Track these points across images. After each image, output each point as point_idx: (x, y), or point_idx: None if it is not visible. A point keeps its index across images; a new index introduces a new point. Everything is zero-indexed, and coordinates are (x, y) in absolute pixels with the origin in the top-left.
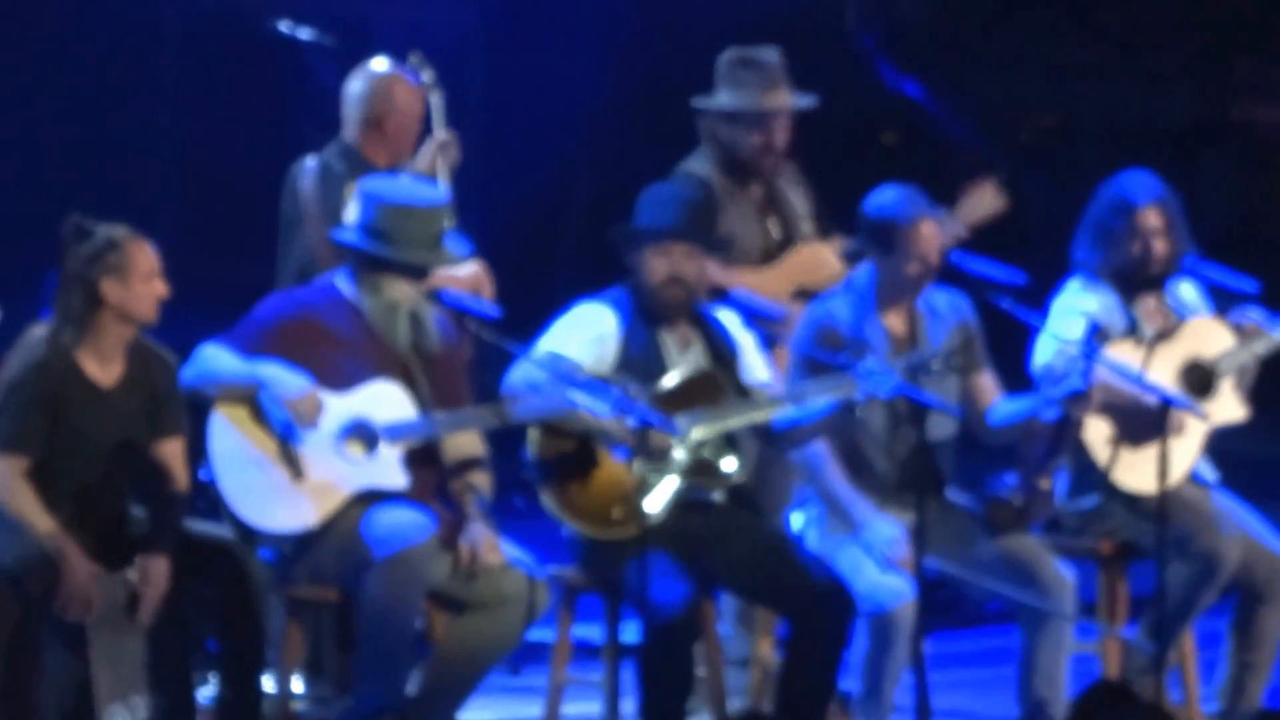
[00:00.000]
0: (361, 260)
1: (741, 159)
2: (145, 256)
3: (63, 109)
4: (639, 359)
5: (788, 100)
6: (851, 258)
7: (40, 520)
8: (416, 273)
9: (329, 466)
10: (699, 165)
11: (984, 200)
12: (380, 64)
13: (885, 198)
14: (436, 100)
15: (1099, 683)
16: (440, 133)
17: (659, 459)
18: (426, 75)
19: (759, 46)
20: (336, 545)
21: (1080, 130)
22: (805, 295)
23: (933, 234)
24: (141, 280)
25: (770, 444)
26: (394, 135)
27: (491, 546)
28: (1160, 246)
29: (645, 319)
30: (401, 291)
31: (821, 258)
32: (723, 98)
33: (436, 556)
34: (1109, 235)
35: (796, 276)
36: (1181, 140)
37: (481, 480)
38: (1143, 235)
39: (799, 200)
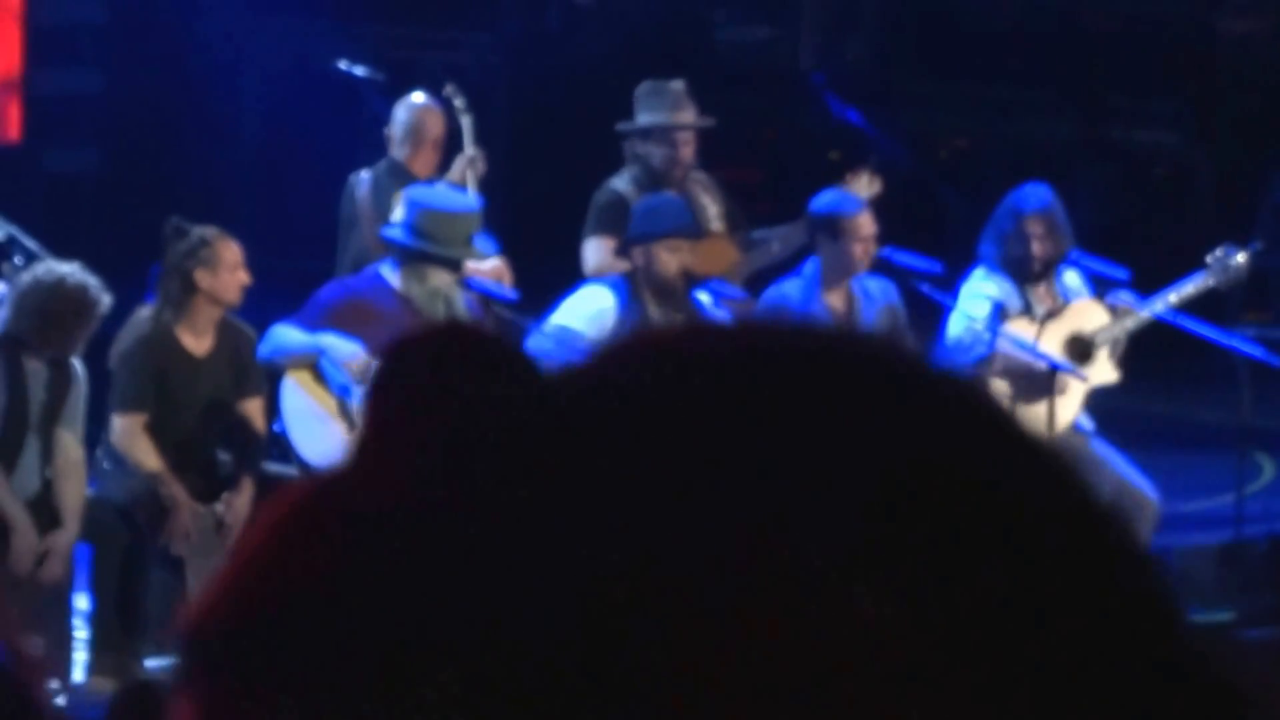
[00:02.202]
0: (406, 254)
1: (655, 170)
2: (231, 251)
3: (167, 133)
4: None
5: (691, 118)
6: (749, 247)
7: (155, 466)
8: (452, 265)
9: None
10: (619, 182)
11: (859, 187)
12: (418, 96)
13: (829, 198)
14: (467, 122)
15: None
16: (470, 149)
17: None
18: (459, 102)
19: (669, 79)
20: None
21: (986, 150)
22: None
23: (870, 223)
24: (228, 270)
25: None
26: (427, 152)
27: None
28: (1039, 247)
29: (639, 300)
30: (440, 279)
31: (720, 248)
32: (640, 118)
33: None
34: (1002, 235)
35: (698, 266)
36: (1066, 158)
37: None
38: (1026, 236)
39: (710, 203)
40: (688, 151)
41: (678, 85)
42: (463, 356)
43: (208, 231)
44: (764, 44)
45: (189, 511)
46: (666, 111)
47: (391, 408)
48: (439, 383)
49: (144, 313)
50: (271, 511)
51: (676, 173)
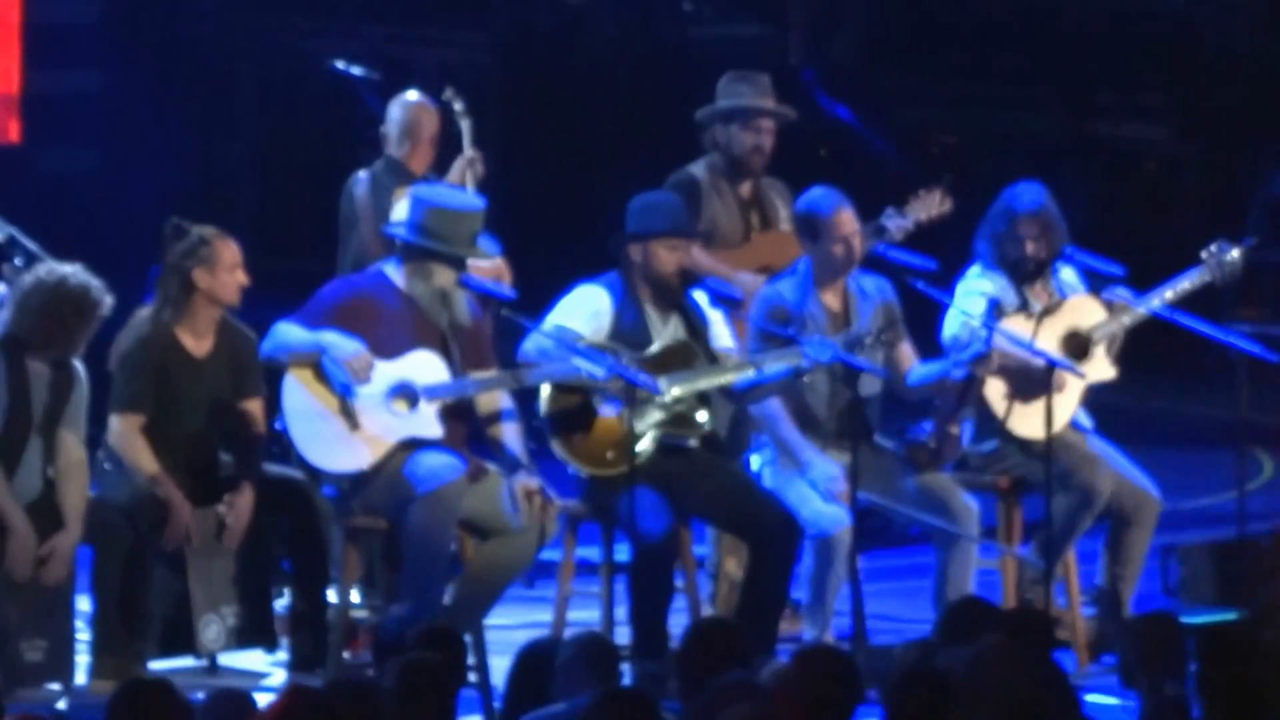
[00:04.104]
0: (411, 251)
1: (735, 156)
2: (230, 251)
3: (165, 134)
4: (629, 331)
5: (774, 103)
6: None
7: (151, 467)
8: (457, 263)
9: (379, 419)
10: (696, 169)
11: (932, 203)
12: (413, 95)
13: (811, 195)
14: (466, 125)
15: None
16: (469, 151)
17: (643, 411)
18: (458, 105)
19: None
20: (385, 483)
21: (975, 146)
22: (769, 272)
23: (849, 221)
24: (227, 270)
25: (734, 400)
26: (423, 149)
27: (541, 490)
28: (1033, 247)
29: (634, 298)
30: (444, 278)
31: (784, 244)
32: (722, 103)
33: (466, 491)
34: (997, 234)
35: (763, 257)
36: (1054, 154)
37: (513, 432)
38: (1021, 236)
39: (783, 205)
40: (769, 140)
41: (762, 77)
42: None
43: (206, 231)
44: (752, 41)
45: (186, 512)
46: (751, 96)
47: None
48: None
49: (143, 313)
50: None
51: (756, 160)
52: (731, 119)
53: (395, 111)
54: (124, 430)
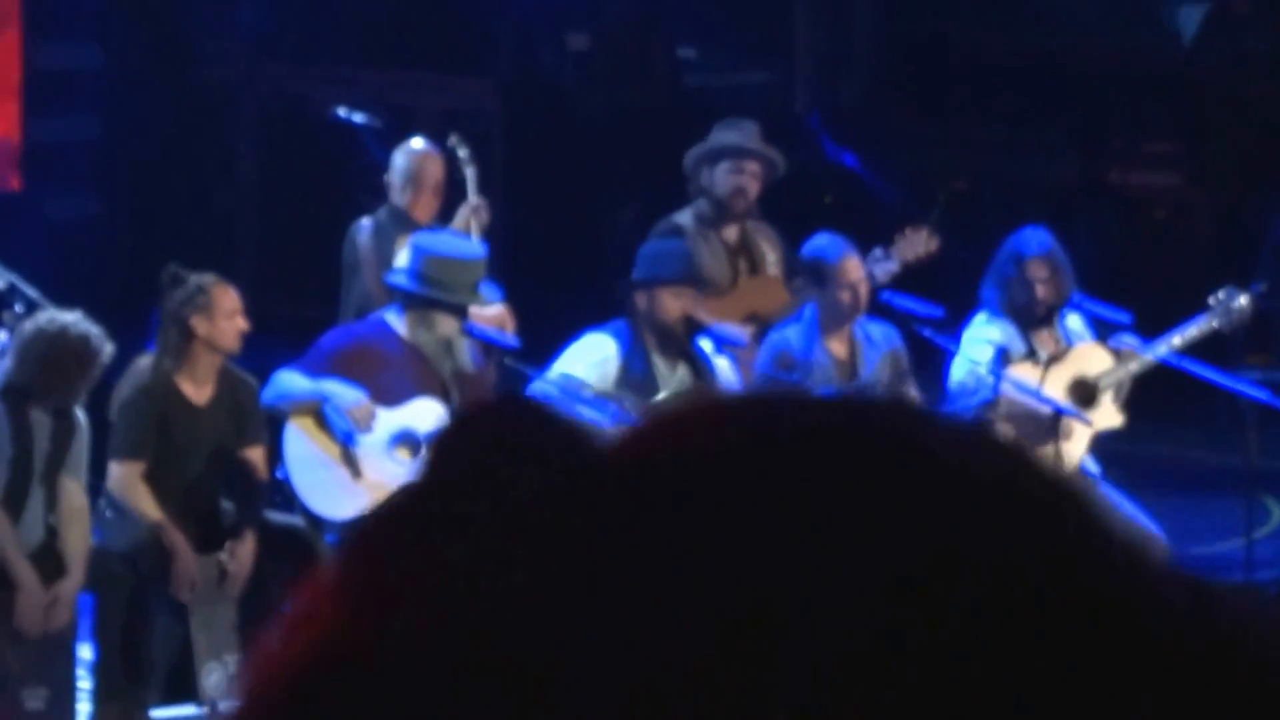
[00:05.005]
0: (412, 300)
1: (718, 199)
2: (228, 297)
3: (166, 180)
4: (636, 379)
5: (760, 146)
6: (800, 296)
7: (155, 514)
8: (459, 311)
9: (382, 468)
10: (682, 217)
11: (918, 242)
12: (417, 143)
13: (818, 242)
14: (471, 172)
15: None
16: (474, 198)
17: None
18: (462, 151)
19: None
20: None
21: (984, 193)
22: (756, 319)
23: (856, 268)
24: (225, 317)
25: None
26: (427, 197)
27: None
28: (1042, 291)
29: (641, 346)
30: (447, 326)
31: (772, 289)
32: (707, 144)
33: None
34: (1005, 280)
35: (751, 303)
36: (1066, 200)
37: None
38: (1029, 281)
39: (770, 250)
40: (754, 185)
41: (752, 123)
42: (520, 430)
43: (204, 279)
44: (758, 87)
45: (191, 558)
46: (740, 139)
47: (452, 475)
48: (498, 457)
49: (144, 362)
50: (321, 578)
51: (740, 204)
52: (717, 161)
53: (399, 159)
54: (125, 478)
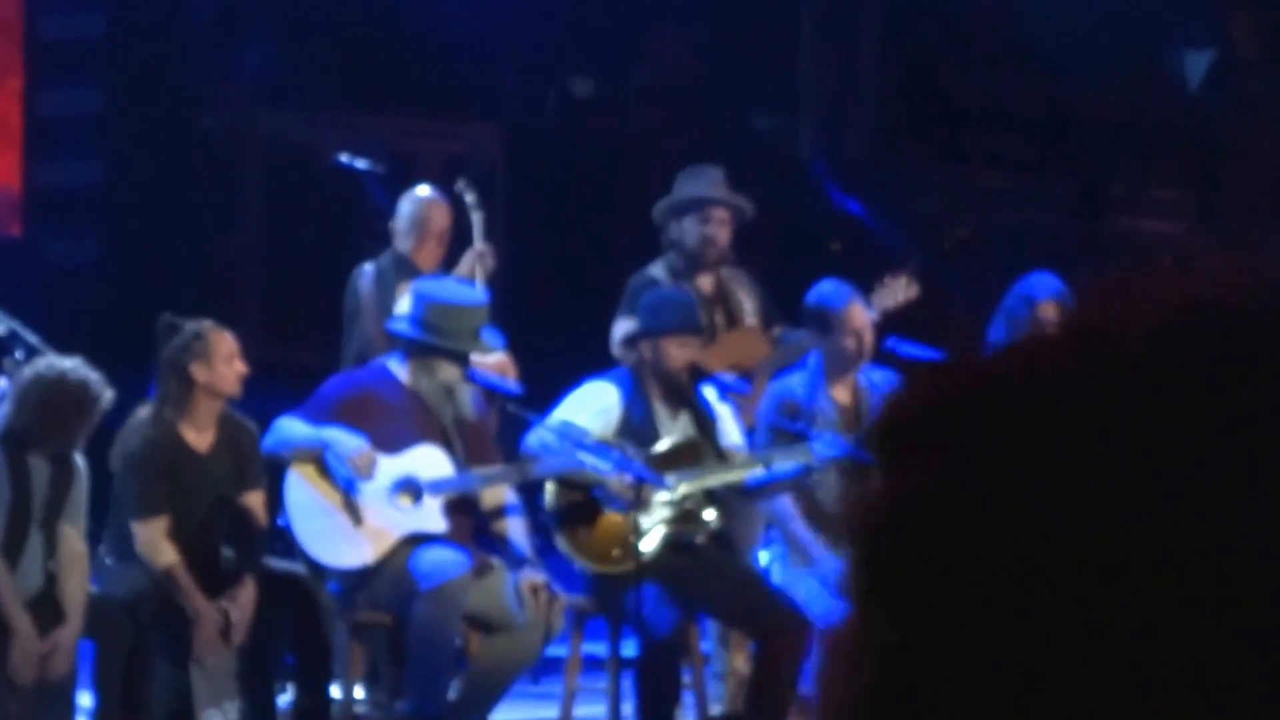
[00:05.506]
0: (414, 347)
1: (689, 250)
2: (225, 342)
3: (168, 226)
4: (637, 427)
5: (725, 193)
6: (780, 343)
7: (184, 580)
8: (460, 358)
9: (383, 514)
10: (655, 269)
11: (898, 290)
12: (424, 190)
13: (822, 289)
14: (477, 218)
15: None
16: (479, 244)
17: (648, 509)
18: (470, 198)
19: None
20: (390, 578)
21: (989, 239)
22: (739, 370)
23: (861, 314)
24: (224, 362)
25: (744, 497)
26: (431, 245)
27: (546, 585)
28: None
29: (643, 394)
30: (448, 373)
31: (752, 340)
32: (674, 195)
33: (471, 587)
34: (1014, 322)
35: (731, 356)
36: (1069, 247)
37: (518, 527)
38: (1041, 323)
39: (745, 298)
40: (723, 232)
41: (714, 169)
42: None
43: (200, 325)
44: (763, 134)
45: (213, 623)
46: (702, 188)
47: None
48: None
49: (143, 412)
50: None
51: (710, 253)
52: (684, 212)
53: (405, 206)
54: (151, 538)
